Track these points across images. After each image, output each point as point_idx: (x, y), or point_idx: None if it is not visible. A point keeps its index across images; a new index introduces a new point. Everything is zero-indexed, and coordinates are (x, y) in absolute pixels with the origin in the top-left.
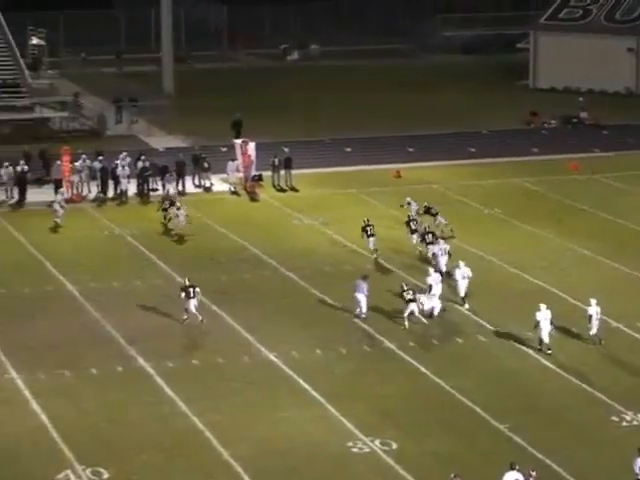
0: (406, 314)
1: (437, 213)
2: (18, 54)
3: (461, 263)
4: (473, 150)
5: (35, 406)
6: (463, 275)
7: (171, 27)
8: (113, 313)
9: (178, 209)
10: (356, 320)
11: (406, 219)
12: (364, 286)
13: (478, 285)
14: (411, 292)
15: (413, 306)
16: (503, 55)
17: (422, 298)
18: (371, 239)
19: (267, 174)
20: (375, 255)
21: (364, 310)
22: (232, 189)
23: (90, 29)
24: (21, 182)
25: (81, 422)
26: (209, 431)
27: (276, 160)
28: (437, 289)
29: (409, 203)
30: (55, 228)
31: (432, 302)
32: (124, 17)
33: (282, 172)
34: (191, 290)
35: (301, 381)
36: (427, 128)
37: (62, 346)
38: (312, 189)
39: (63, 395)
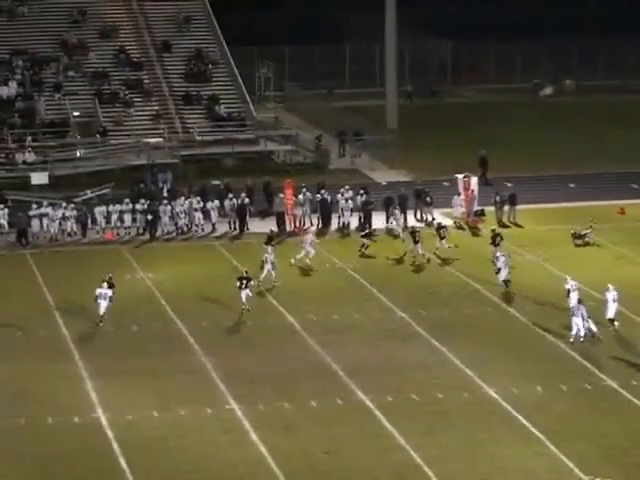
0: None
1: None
2: (243, 87)
3: (610, 286)
4: None
5: (254, 437)
6: (614, 298)
7: (395, 62)
8: (332, 346)
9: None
10: (577, 356)
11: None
12: (582, 310)
13: None
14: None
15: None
16: None
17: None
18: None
19: (491, 209)
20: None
21: (581, 334)
22: (457, 223)
23: (315, 63)
24: (241, 214)
25: (300, 454)
26: (427, 466)
27: (497, 197)
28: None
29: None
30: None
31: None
32: (349, 52)
33: (505, 208)
34: (245, 281)
35: (521, 417)
36: None
37: (282, 378)
38: (535, 225)
39: (282, 427)
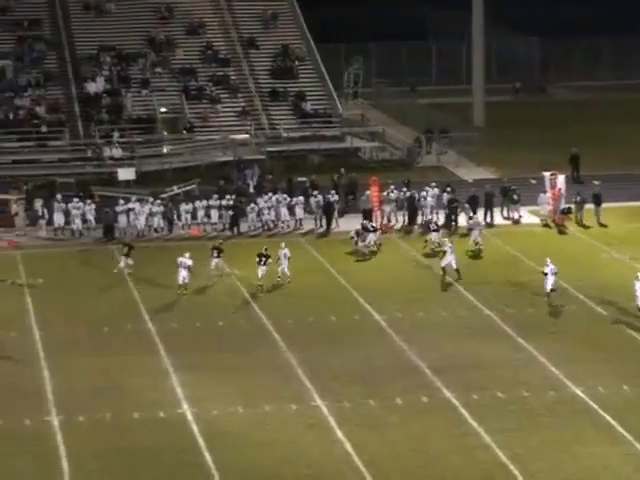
0: None
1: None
2: (330, 84)
3: (548, 260)
4: None
5: (339, 434)
6: (552, 271)
7: (482, 59)
8: (418, 343)
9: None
10: None
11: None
12: None
13: None
14: None
15: None
16: None
17: None
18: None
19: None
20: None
21: None
22: (543, 221)
23: (401, 60)
24: (328, 211)
25: (385, 452)
26: (512, 464)
27: (578, 197)
28: None
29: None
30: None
31: None
32: (435, 49)
33: (586, 207)
34: (264, 259)
35: (608, 417)
36: None
37: (367, 375)
38: (621, 223)
39: (368, 424)
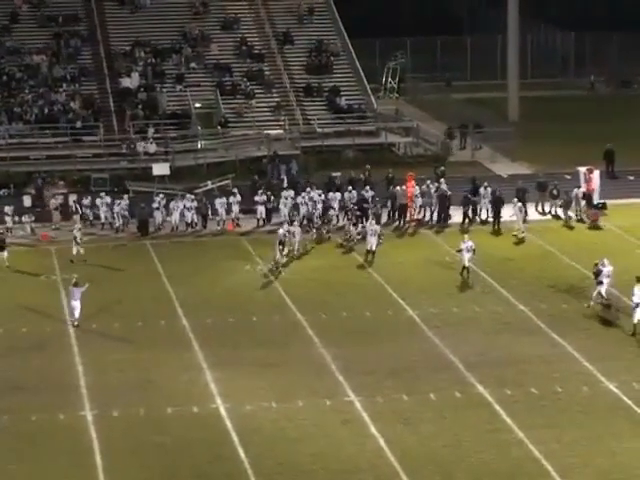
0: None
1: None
2: (364, 79)
3: (466, 236)
4: None
5: (373, 429)
6: (468, 248)
7: (517, 54)
8: (452, 339)
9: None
10: None
11: None
12: None
13: None
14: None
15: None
16: None
17: None
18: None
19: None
20: None
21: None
22: (577, 216)
23: (436, 55)
24: (362, 207)
25: (418, 447)
26: (546, 460)
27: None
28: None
29: None
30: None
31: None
32: (470, 43)
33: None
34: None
35: None
36: None
37: (401, 370)
38: None
39: (401, 419)
